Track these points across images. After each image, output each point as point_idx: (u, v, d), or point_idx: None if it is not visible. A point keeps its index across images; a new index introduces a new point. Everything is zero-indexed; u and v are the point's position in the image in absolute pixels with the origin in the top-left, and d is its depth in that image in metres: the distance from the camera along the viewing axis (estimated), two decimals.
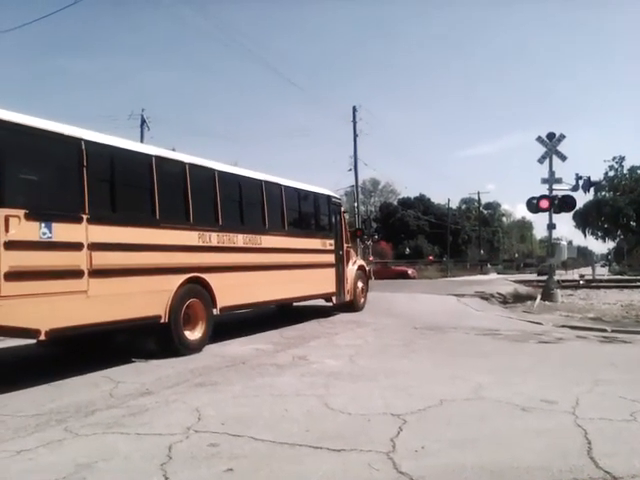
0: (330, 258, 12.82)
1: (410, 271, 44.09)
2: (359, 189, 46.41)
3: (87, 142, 6.91)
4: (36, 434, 4.50)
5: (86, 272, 6.66)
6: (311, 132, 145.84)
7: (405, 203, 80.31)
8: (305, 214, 12.43)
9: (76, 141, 6.80)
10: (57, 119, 6.84)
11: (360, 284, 14.14)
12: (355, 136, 41.16)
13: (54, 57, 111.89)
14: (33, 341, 7.25)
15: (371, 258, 40.46)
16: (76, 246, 6.57)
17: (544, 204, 18.12)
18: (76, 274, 6.55)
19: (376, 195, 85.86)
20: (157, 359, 7.70)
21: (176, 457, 3.92)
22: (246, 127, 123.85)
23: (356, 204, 43.98)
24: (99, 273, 6.80)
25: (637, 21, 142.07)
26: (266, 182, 10.76)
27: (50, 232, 6.25)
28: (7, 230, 5.77)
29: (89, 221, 6.75)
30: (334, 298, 12.93)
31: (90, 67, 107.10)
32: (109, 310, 6.99)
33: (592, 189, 21.31)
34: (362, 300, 14.30)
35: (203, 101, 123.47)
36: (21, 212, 5.93)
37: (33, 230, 6.07)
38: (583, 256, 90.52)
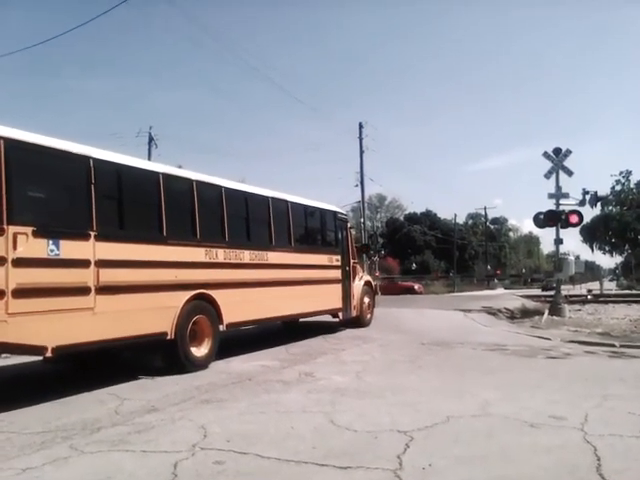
0: (337, 274, 12.81)
1: (417, 286, 44.03)
2: (365, 205, 46.45)
3: (95, 160, 6.96)
4: (42, 451, 4.50)
5: (93, 289, 6.67)
6: (318, 149, 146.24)
7: (411, 218, 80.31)
8: (311, 230, 12.45)
9: (84, 159, 6.86)
10: (65, 137, 6.91)
11: (367, 300, 14.10)
12: (361, 152, 41.27)
13: (62, 76, 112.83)
14: (39, 358, 7.26)
15: (377, 274, 40.39)
16: (83, 263, 6.60)
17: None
18: (83, 291, 6.57)
19: (382, 211, 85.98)
20: (163, 376, 7.69)
21: (181, 475, 3.91)
22: (253, 144, 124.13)
23: (362, 220, 44.02)
24: (106, 290, 6.82)
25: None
26: (273, 198, 10.80)
27: (58, 249, 6.28)
28: (15, 247, 5.80)
29: (96, 238, 6.78)
30: (340, 314, 12.89)
31: (98, 87, 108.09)
32: (115, 327, 6.99)
33: (599, 204, 21.32)
34: (369, 316, 14.25)
35: (210, 119, 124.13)
36: (29, 229, 5.97)
37: (41, 247, 6.10)
38: (591, 271, 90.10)
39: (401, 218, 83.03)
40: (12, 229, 5.80)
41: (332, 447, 4.50)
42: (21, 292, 5.82)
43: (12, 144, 5.94)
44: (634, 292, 40.02)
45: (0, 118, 6.11)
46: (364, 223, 44.26)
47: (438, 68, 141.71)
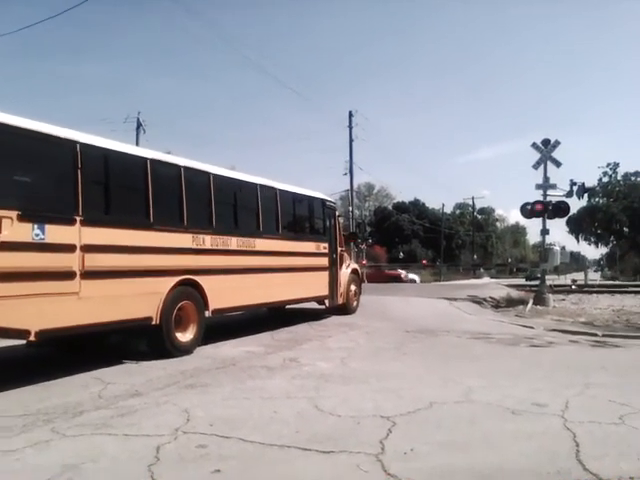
0: (324, 261, 12.82)
1: (403, 275, 44.11)
2: (354, 193, 46.41)
3: (82, 145, 6.89)
4: (23, 435, 4.47)
5: (78, 274, 6.63)
6: (308, 137, 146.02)
7: (399, 207, 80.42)
8: (299, 218, 12.43)
9: (71, 143, 6.78)
10: (53, 122, 6.84)
11: (353, 287, 14.13)
12: (351, 141, 41.22)
13: (51, 61, 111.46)
14: (23, 342, 7.23)
15: (364, 262, 40.53)
16: (69, 248, 6.55)
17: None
18: (68, 275, 6.53)
19: (371, 199, 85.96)
20: (148, 360, 7.68)
21: (164, 458, 3.91)
22: (243, 132, 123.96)
23: (351, 208, 44.00)
24: (91, 275, 6.77)
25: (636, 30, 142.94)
26: (261, 186, 10.75)
27: (43, 233, 6.22)
28: (0, 231, 5.75)
29: (82, 223, 6.72)
30: (327, 301, 12.92)
31: (88, 72, 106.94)
32: (100, 311, 6.96)
33: (586, 195, 21.45)
34: (355, 303, 14.29)
35: (201, 106, 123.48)
36: (14, 213, 5.90)
37: (26, 231, 6.05)
38: (576, 261, 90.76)
39: (389, 207, 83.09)
40: None
41: (316, 432, 4.52)
42: (5, 276, 5.77)
43: None
44: (618, 283, 40.49)
45: None
46: (352, 211, 44.21)
47: (431, 61, 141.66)
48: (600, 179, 71.87)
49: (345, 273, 13.78)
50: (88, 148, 6.97)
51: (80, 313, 6.68)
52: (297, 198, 12.24)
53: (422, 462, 3.86)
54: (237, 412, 5.14)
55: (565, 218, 24.07)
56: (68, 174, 6.74)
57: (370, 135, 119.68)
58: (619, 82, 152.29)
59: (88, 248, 6.75)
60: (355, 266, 15.12)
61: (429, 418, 4.96)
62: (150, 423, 4.77)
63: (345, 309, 13.65)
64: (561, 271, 55.50)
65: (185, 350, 8.27)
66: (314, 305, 13.11)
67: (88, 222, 6.80)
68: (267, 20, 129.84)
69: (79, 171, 6.77)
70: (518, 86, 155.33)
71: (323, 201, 13.41)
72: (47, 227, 6.28)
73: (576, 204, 26.94)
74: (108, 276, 7.04)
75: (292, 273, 11.22)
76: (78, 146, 6.83)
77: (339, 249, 13.67)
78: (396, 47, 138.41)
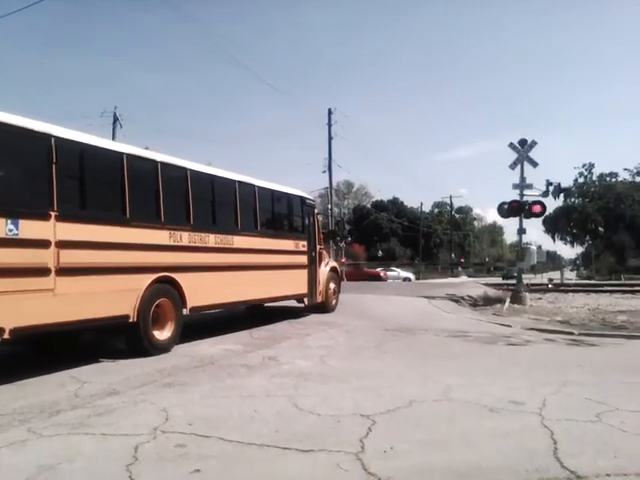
0: (303, 259, 12.79)
1: (382, 273, 44.30)
2: (333, 191, 46.50)
3: (57, 138, 6.77)
4: None
5: (53, 270, 6.52)
6: (287, 134, 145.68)
7: (378, 206, 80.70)
8: (278, 215, 12.38)
9: (46, 137, 6.66)
10: (30, 116, 6.72)
11: (332, 285, 14.13)
12: (330, 138, 41.33)
13: (29, 53, 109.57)
14: None
15: (343, 260, 40.55)
16: (43, 243, 6.44)
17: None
18: (43, 272, 6.41)
19: (350, 197, 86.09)
20: (125, 359, 7.58)
21: (142, 458, 3.86)
22: (222, 128, 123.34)
23: (330, 206, 44.07)
24: (66, 271, 6.67)
25: (615, 30, 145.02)
26: (239, 182, 10.69)
27: (17, 229, 6.10)
28: None
29: (57, 218, 6.61)
30: (306, 299, 12.90)
31: (67, 65, 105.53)
32: (76, 309, 6.85)
33: (562, 195, 21.71)
34: (334, 301, 14.28)
35: (180, 102, 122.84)
36: None
37: None
38: (552, 260, 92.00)
39: (368, 205, 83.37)
40: None
41: (295, 431, 4.50)
42: None
43: None
44: (593, 282, 41.06)
45: None
46: (331, 209, 44.31)
47: (410, 59, 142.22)
48: (576, 179, 73.02)
49: (324, 271, 13.77)
50: (63, 142, 6.85)
51: (56, 310, 6.57)
52: (276, 195, 12.19)
53: (402, 460, 3.87)
54: (216, 411, 5.10)
55: (541, 218, 24.34)
56: (43, 168, 6.62)
57: (349, 133, 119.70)
58: (596, 80, 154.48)
59: (63, 244, 6.64)
60: (334, 264, 15.12)
61: (409, 416, 4.97)
62: (128, 422, 4.71)
63: (324, 307, 13.63)
64: (538, 270, 56.23)
65: (163, 348, 8.19)
66: (293, 303, 13.08)
67: (63, 217, 6.69)
68: (245, 15, 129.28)
69: (54, 165, 6.65)
70: (497, 85, 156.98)
71: (302, 198, 13.37)
72: (21, 222, 6.15)
73: (552, 204, 27.29)
74: (84, 273, 6.94)
75: (271, 271, 11.17)
76: (53, 140, 6.71)
77: (318, 247, 13.66)
78: (376, 44, 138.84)
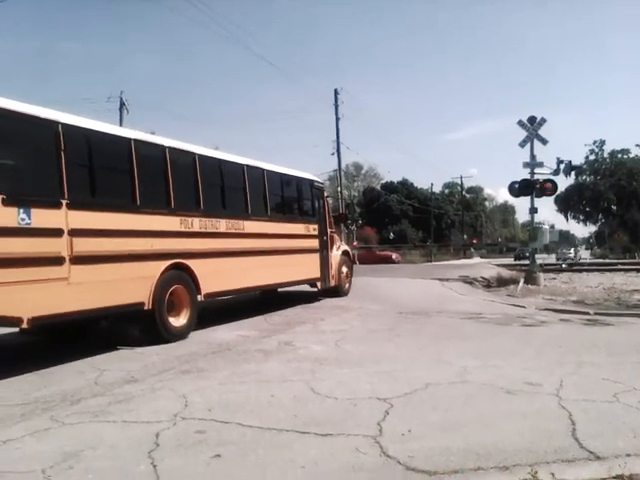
0: (314, 243, 12.79)
1: (394, 256, 44.24)
2: (342, 173, 46.31)
3: (64, 125, 6.74)
4: (22, 423, 4.45)
5: (67, 259, 6.53)
6: (294, 116, 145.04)
7: (388, 188, 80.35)
8: (288, 199, 12.36)
9: (53, 124, 6.64)
10: (37, 102, 6.72)
11: (344, 269, 14.13)
12: (337, 119, 40.96)
13: (31, 39, 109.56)
14: (16, 329, 7.18)
15: (355, 243, 40.54)
16: (56, 232, 6.45)
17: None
18: (57, 261, 6.44)
19: (359, 180, 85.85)
20: (142, 346, 7.65)
21: (163, 444, 3.90)
22: (228, 111, 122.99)
23: (339, 188, 43.93)
24: (80, 260, 6.69)
25: (625, 10, 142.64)
26: (248, 166, 10.65)
27: (29, 218, 6.11)
28: None
29: (69, 206, 6.62)
30: (319, 283, 12.91)
31: (73, 50, 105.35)
32: (92, 297, 6.89)
33: (573, 173, 21.51)
34: (347, 285, 14.30)
35: (185, 85, 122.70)
36: None
37: (11, 216, 5.93)
38: (565, 240, 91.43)
39: (378, 187, 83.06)
40: None
41: (313, 415, 4.53)
42: None
43: None
44: (607, 261, 40.83)
45: None
46: (341, 192, 44.21)
47: (417, 38, 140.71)
48: (587, 157, 72.19)
49: (336, 255, 13.77)
50: (70, 129, 6.82)
51: (72, 299, 6.61)
52: (285, 179, 12.15)
53: (420, 443, 3.88)
54: (234, 397, 5.14)
55: (553, 197, 24.17)
56: (51, 156, 6.60)
57: (357, 114, 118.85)
58: (605, 59, 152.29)
59: (75, 232, 6.64)
60: (346, 247, 15.12)
61: (425, 399, 4.98)
62: (148, 409, 4.75)
63: (337, 291, 13.65)
64: (551, 250, 55.91)
65: (179, 335, 8.25)
66: (306, 288, 13.10)
67: (74, 205, 6.69)
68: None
69: (62, 152, 6.63)
70: (505, 63, 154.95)
71: (311, 181, 13.33)
72: (33, 211, 6.16)
73: (564, 182, 27.13)
74: (97, 261, 6.96)
75: (283, 255, 11.18)
76: (60, 127, 6.68)
77: (329, 230, 13.64)
78: (380, 23, 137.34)
